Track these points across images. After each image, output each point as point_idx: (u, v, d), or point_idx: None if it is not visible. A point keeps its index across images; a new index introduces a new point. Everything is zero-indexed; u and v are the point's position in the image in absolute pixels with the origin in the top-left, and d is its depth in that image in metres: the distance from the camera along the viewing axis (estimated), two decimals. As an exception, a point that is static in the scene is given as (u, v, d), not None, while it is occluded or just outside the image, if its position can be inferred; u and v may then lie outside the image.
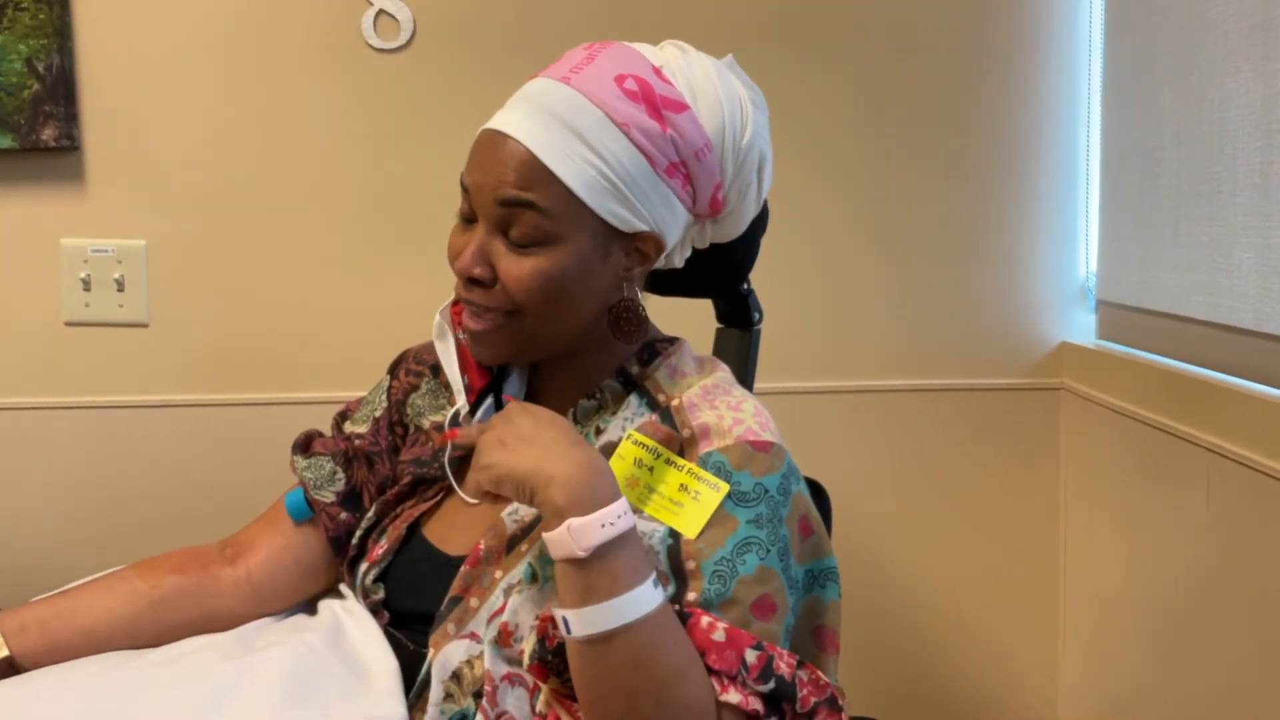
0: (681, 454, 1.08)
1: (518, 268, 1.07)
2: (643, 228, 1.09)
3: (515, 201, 1.05)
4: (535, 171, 1.05)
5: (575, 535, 0.96)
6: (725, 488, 1.05)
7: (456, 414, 1.18)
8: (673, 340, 1.20)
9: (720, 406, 1.11)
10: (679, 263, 1.20)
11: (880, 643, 2.05)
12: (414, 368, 1.29)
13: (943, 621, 2.06)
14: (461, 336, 1.17)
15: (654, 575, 0.98)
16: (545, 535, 0.98)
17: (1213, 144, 1.59)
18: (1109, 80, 1.94)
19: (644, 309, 1.15)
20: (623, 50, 1.11)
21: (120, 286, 1.88)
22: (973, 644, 2.07)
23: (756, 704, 1.00)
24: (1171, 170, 1.71)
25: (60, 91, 1.83)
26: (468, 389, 1.17)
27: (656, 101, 1.07)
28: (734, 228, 1.19)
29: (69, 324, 1.89)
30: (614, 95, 1.06)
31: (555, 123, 1.05)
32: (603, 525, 0.96)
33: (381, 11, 1.89)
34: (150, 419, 1.90)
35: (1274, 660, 1.43)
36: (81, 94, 1.85)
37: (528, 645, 1.04)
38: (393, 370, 1.31)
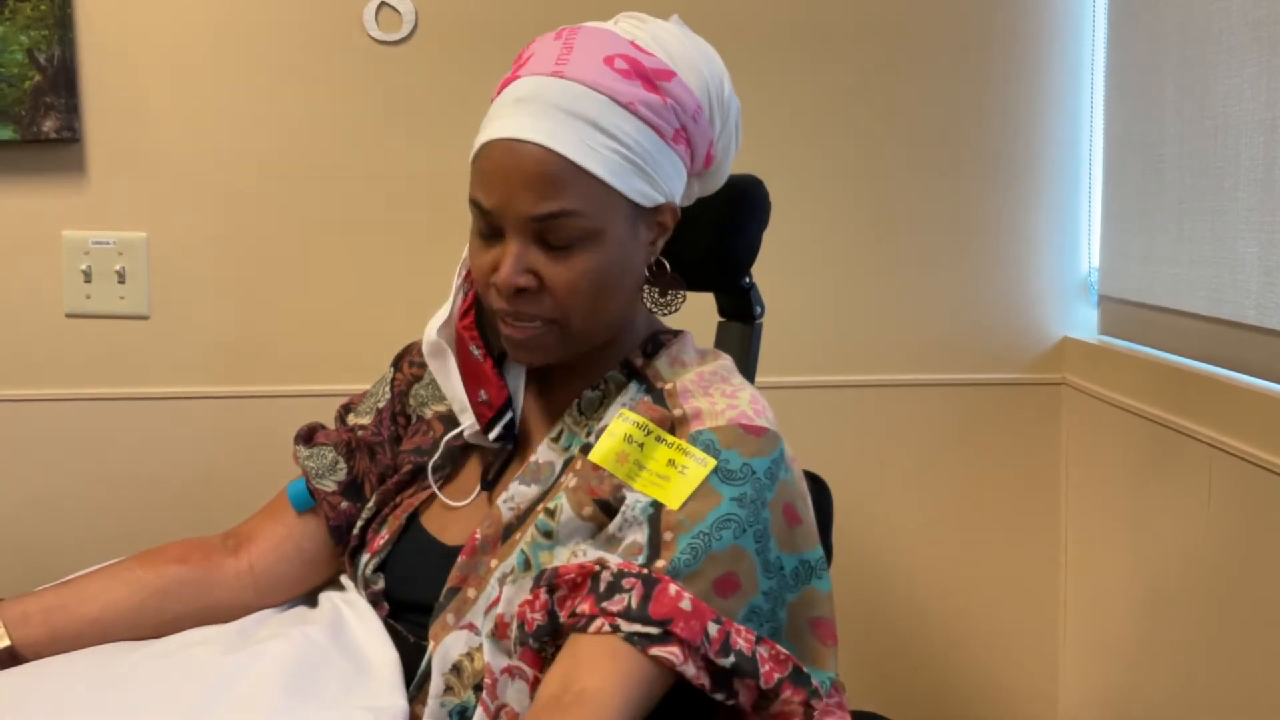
0: (672, 432, 1.09)
1: (566, 272, 1.05)
2: (661, 200, 1.10)
3: (549, 215, 1.04)
4: (560, 172, 1.03)
5: None
6: (712, 462, 1.04)
7: (461, 434, 1.18)
8: (677, 333, 1.21)
9: (714, 394, 1.11)
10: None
11: (879, 637, 2.05)
12: (417, 359, 1.29)
13: (942, 616, 2.06)
14: (475, 352, 1.17)
15: None
16: None
17: (1216, 139, 1.59)
18: (1112, 74, 1.94)
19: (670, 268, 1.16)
20: (595, 32, 1.10)
21: (121, 278, 1.88)
22: (972, 638, 2.07)
23: (704, 679, 0.99)
24: (1174, 165, 1.71)
25: (61, 83, 1.82)
26: (486, 403, 1.16)
27: (648, 75, 1.07)
28: (717, 181, 1.22)
29: (69, 316, 1.89)
30: (610, 77, 1.06)
31: (565, 116, 1.04)
32: None
33: (383, 4, 1.89)
34: (151, 411, 1.90)
35: (1276, 657, 1.43)
36: (83, 85, 1.85)
37: (511, 633, 1.03)
38: (396, 363, 1.31)
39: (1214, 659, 1.56)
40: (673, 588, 0.99)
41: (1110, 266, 1.95)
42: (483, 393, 1.16)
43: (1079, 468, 1.99)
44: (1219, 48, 1.58)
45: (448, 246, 1.95)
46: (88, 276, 1.87)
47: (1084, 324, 2.03)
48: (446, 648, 1.08)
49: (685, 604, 0.98)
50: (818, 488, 1.36)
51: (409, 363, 1.30)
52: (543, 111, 1.04)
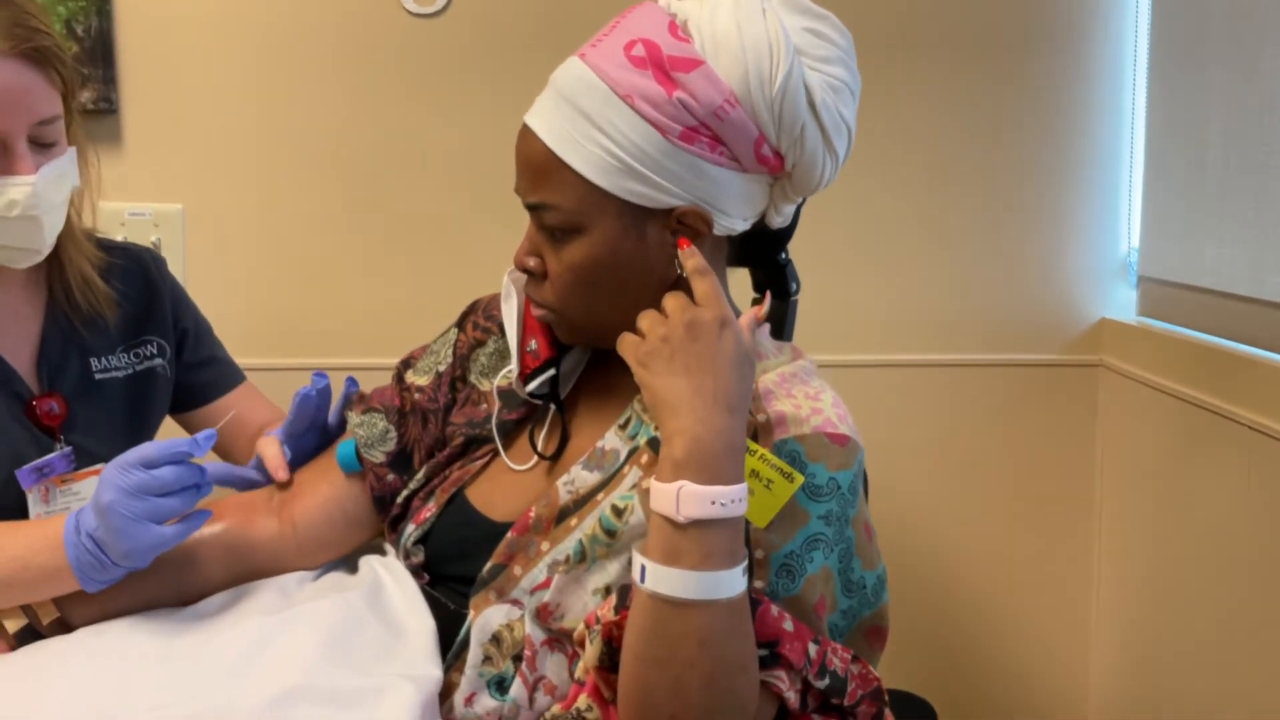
0: (755, 439, 1.04)
1: (556, 262, 1.07)
2: (675, 203, 1.04)
3: (535, 205, 1.07)
4: (549, 165, 1.05)
5: (683, 500, 0.94)
6: (800, 479, 1.02)
7: (508, 379, 1.17)
8: None
9: (798, 395, 1.08)
10: (780, 221, 1.14)
11: (913, 617, 2.04)
12: (482, 322, 1.25)
13: (975, 596, 2.05)
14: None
15: (745, 564, 0.96)
16: (654, 482, 0.96)
17: (1262, 119, 1.56)
18: (1156, 52, 1.91)
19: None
20: (644, 11, 1.06)
21: (157, 250, 1.88)
22: (1005, 619, 2.06)
23: (796, 701, 1.01)
24: (1218, 144, 1.68)
25: (98, 54, 1.83)
26: (533, 354, 1.15)
27: (664, 64, 1.01)
28: (811, 179, 1.08)
29: (106, 287, 1.89)
30: (619, 65, 1.02)
31: (566, 107, 1.04)
32: (713, 503, 0.94)
33: (419, -24, 1.88)
34: (186, 382, 1.91)
35: (1314, 641, 1.41)
36: (119, 57, 1.85)
37: (592, 649, 1.01)
38: (460, 322, 1.27)
39: (1251, 647, 1.55)
40: (774, 609, 1.00)
41: (1150, 246, 1.92)
42: (533, 342, 1.15)
43: (1115, 450, 1.98)
44: (1266, 24, 1.56)
45: (481, 219, 1.94)
46: (124, 248, 1.88)
47: (1122, 305, 2.01)
48: (487, 618, 1.08)
49: (788, 625, 1.00)
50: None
51: (473, 324, 1.26)
52: (553, 98, 1.06)
